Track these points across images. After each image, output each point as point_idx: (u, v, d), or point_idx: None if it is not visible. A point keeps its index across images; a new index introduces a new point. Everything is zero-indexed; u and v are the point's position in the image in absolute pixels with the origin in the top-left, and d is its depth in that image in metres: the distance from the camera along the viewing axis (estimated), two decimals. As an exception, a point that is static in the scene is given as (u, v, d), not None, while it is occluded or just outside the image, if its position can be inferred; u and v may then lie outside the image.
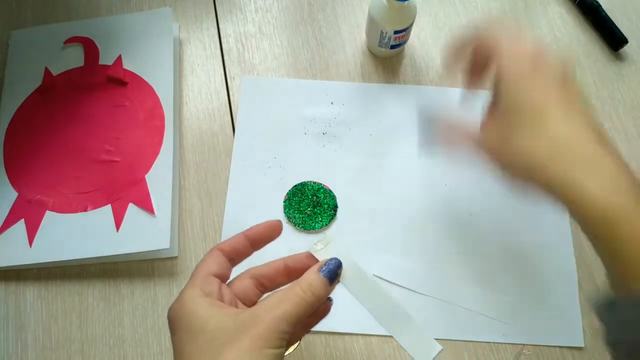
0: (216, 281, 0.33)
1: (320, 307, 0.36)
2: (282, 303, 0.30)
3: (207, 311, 0.30)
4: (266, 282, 0.36)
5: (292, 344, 0.38)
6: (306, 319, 0.32)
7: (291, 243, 0.45)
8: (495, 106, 0.37)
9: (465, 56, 0.40)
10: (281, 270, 0.36)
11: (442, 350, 0.45)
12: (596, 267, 0.50)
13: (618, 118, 0.56)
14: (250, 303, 0.35)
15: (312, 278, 0.32)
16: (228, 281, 0.35)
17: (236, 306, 0.33)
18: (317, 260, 0.35)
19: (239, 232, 0.36)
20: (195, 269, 0.34)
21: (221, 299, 0.32)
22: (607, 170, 0.32)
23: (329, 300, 0.38)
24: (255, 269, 0.36)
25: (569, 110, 0.34)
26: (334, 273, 0.33)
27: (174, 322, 0.31)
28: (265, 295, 0.36)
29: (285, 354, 0.34)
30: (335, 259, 0.34)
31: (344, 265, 0.34)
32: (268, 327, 0.29)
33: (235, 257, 0.35)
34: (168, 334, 0.48)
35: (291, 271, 0.36)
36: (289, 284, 0.32)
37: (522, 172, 0.35)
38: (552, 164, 0.33)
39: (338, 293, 0.36)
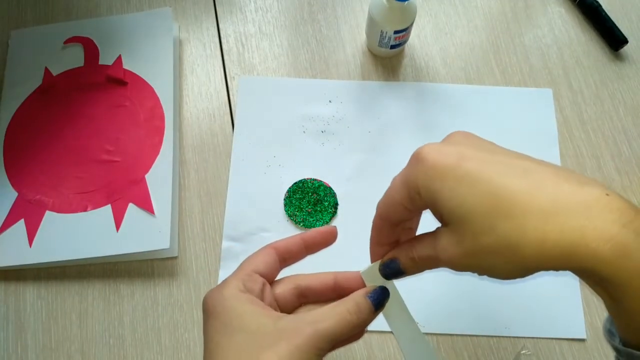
0: (260, 280, 0.32)
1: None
2: (327, 319, 0.29)
3: (248, 309, 0.30)
4: (310, 295, 0.35)
5: None
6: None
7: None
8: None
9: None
10: (330, 286, 0.34)
11: None
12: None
13: (618, 118, 0.56)
14: (287, 311, 0.34)
15: (361, 301, 0.31)
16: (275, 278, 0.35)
17: (275, 310, 0.33)
18: (364, 284, 0.34)
19: (296, 234, 0.35)
20: (244, 261, 0.33)
21: (262, 298, 0.32)
22: (600, 206, 0.24)
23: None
24: (301, 279, 0.35)
25: (498, 163, 0.26)
26: (381, 301, 0.32)
27: (211, 310, 0.31)
28: (304, 307, 0.35)
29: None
30: (384, 287, 0.33)
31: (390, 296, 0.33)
32: (309, 340, 0.28)
33: (287, 257, 0.35)
34: (168, 334, 0.48)
35: (340, 289, 0.34)
36: (335, 302, 0.31)
37: (513, 262, 0.25)
38: (540, 231, 0.24)
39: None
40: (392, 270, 0.32)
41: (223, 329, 0.29)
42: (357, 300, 0.31)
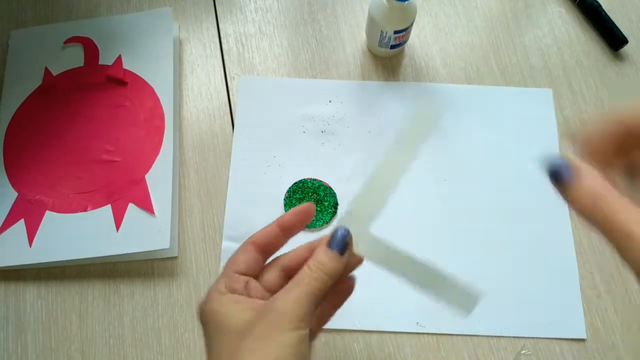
0: (242, 279, 0.33)
1: (343, 286, 0.36)
2: (294, 287, 0.30)
3: (231, 308, 0.31)
4: (293, 273, 0.34)
5: (323, 324, 0.36)
6: (330, 297, 0.33)
7: (292, 241, 0.45)
8: None
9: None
10: (306, 257, 0.34)
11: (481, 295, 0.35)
12: (596, 259, 0.50)
13: (618, 118, 0.56)
14: (257, 273, 0.35)
15: (320, 256, 0.32)
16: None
17: (256, 293, 0.33)
18: None
19: (273, 221, 0.35)
20: (226, 263, 0.34)
21: (249, 294, 0.32)
22: None
23: (350, 278, 0.37)
24: (284, 259, 0.35)
25: None
26: (341, 243, 0.32)
27: (202, 320, 0.32)
28: None
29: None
30: (341, 228, 0.33)
31: (360, 238, 0.33)
32: (282, 312, 0.29)
33: (268, 249, 0.35)
34: (168, 334, 0.48)
35: (286, 229, 0.35)
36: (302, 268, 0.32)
37: None
38: None
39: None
40: (554, 172, 0.26)
41: (215, 333, 0.31)
42: (317, 256, 0.32)
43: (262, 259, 0.35)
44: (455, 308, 0.33)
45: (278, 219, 0.35)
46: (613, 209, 0.24)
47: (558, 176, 0.25)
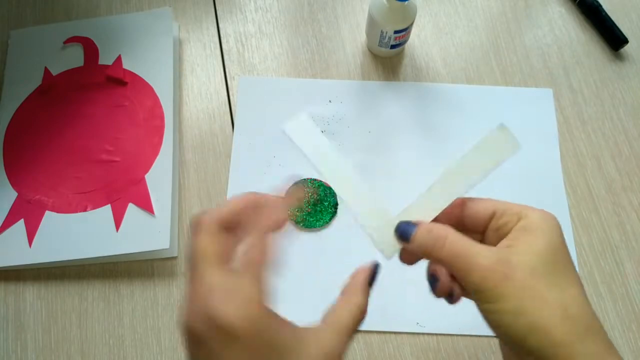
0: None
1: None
2: (333, 329, 0.28)
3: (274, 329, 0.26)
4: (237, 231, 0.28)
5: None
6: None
7: (292, 241, 0.45)
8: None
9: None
10: (245, 211, 0.29)
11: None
12: (596, 263, 0.50)
13: (618, 118, 0.56)
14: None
15: (362, 302, 0.30)
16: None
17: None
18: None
19: (240, 195, 0.29)
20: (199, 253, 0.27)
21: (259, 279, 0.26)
22: None
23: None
24: (221, 214, 0.28)
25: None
26: (374, 279, 0.32)
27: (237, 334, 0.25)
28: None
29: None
30: (377, 263, 0.32)
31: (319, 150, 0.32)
32: (324, 355, 0.27)
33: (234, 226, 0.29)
34: (168, 334, 0.48)
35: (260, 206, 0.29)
36: (339, 303, 0.30)
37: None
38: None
39: (337, 291, 0.36)
40: (402, 231, 0.31)
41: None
42: (359, 302, 0.30)
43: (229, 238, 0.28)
44: (381, 247, 0.33)
45: (251, 195, 0.29)
46: (457, 242, 0.28)
47: (403, 231, 0.31)
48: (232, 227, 0.28)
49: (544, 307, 0.26)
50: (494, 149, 0.32)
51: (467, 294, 0.30)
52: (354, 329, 0.29)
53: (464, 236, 0.29)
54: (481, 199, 0.32)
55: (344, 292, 0.31)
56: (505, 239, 0.29)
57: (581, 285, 0.28)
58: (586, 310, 0.27)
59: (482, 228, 0.31)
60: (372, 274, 0.32)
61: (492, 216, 0.30)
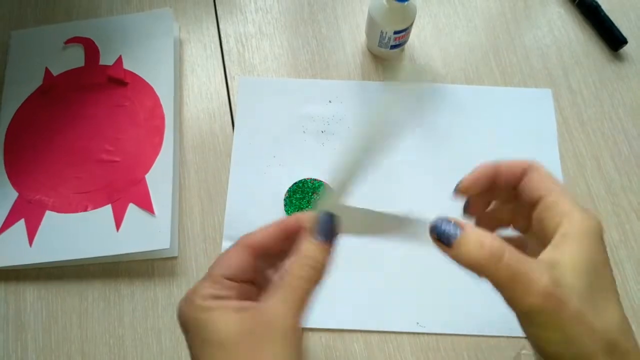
0: (233, 286, 0.29)
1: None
2: (282, 291, 0.27)
3: (215, 317, 0.27)
4: (268, 254, 0.31)
5: None
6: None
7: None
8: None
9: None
10: (281, 238, 0.31)
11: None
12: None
13: (618, 118, 0.56)
14: (250, 278, 0.31)
15: (307, 248, 0.28)
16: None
17: (248, 297, 0.29)
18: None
19: (274, 222, 0.31)
20: (215, 261, 0.30)
21: (238, 297, 0.29)
22: None
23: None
24: (250, 240, 0.31)
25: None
26: (328, 230, 0.29)
27: (183, 327, 0.29)
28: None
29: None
30: (324, 212, 0.29)
31: (339, 214, 0.28)
32: (273, 322, 0.26)
33: (266, 254, 0.31)
34: (168, 334, 0.48)
35: (291, 234, 0.31)
36: (286, 263, 0.29)
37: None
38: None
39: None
40: (441, 232, 0.27)
41: (199, 345, 0.28)
42: (303, 248, 0.28)
43: (258, 264, 0.31)
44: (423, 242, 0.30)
45: (282, 221, 0.31)
46: (514, 260, 0.26)
47: (443, 233, 0.27)
48: (265, 256, 0.30)
49: (591, 338, 0.25)
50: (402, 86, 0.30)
51: (517, 314, 0.27)
52: (306, 295, 0.27)
53: (517, 250, 0.26)
54: (529, 169, 0.31)
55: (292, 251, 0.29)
56: (550, 247, 0.27)
57: (621, 305, 0.27)
58: (630, 339, 0.27)
59: (528, 202, 0.30)
60: (324, 223, 0.29)
61: (538, 201, 0.29)
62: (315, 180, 0.53)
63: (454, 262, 0.27)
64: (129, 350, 0.48)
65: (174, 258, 0.51)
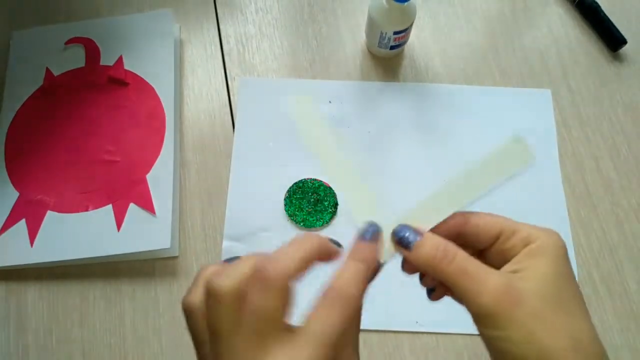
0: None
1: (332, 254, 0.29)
2: (329, 309, 0.26)
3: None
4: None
5: None
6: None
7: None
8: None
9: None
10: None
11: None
12: (594, 263, 0.50)
13: (617, 118, 0.56)
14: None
15: (351, 303, 0.27)
16: None
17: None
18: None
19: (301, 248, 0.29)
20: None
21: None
22: None
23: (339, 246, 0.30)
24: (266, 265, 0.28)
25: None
26: (375, 234, 0.29)
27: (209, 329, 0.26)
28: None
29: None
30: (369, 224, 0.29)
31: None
32: (317, 336, 0.25)
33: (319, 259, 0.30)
34: (168, 333, 0.48)
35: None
36: (326, 290, 0.27)
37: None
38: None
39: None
40: (401, 237, 0.28)
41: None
42: (343, 281, 0.27)
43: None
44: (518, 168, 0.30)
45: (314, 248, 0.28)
46: (466, 260, 0.26)
47: (403, 238, 0.28)
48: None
49: (555, 336, 0.25)
50: (506, 161, 0.30)
51: (474, 317, 0.28)
52: (337, 337, 0.25)
53: (471, 256, 0.27)
54: (486, 215, 0.30)
55: (327, 292, 0.27)
56: (510, 263, 0.27)
57: (589, 315, 0.27)
58: (597, 344, 0.26)
59: (485, 246, 0.29)
60: (371, 232, 0.29)
61: (498, 236, 0.29)
62: (315, 180, 0.53)
63: (413, 264, 0.28)
64: (129, 350, 0.48)
65: (175, 258, 0.51)
